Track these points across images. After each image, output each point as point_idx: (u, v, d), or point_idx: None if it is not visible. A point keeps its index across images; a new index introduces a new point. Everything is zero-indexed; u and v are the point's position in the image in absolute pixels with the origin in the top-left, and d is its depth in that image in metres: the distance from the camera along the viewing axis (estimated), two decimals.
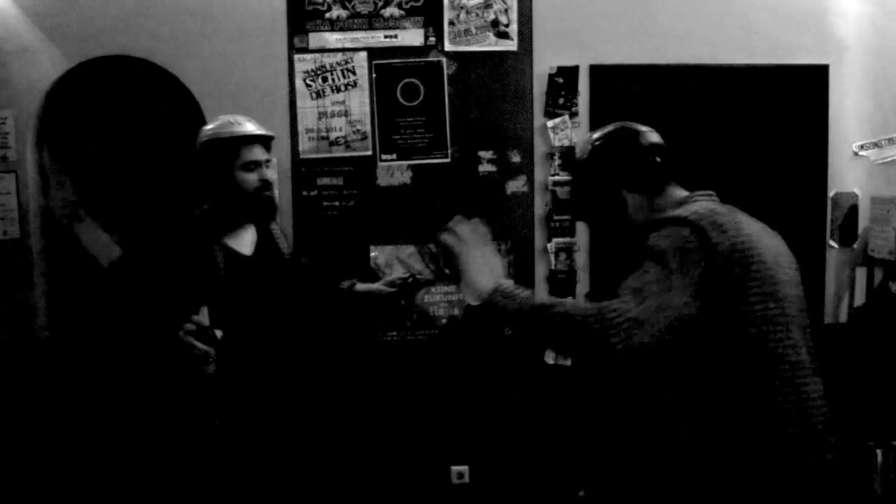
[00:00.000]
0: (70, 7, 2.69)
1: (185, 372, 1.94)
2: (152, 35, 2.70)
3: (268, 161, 2.10)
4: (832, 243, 2.89)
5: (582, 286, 2.85)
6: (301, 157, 2.76)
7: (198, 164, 2.09)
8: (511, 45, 2.76)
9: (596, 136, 1.58)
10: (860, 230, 2.89)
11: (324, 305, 2.47)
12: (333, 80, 2.74)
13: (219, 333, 1.88)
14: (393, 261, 2.79)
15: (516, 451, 2.83)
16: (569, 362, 2.82)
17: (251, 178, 2.04)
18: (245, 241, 2.12)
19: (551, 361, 2.84)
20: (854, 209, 2.88)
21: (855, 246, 2.90)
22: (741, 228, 1.37)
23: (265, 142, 2.11)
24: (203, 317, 1.88)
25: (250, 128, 2.08)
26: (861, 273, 2.89)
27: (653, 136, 1.56)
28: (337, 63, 2.74)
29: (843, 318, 2.90)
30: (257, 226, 2.18)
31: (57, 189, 2.86)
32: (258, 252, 2.14)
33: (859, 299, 2.90)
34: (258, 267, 2.12)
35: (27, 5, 2.68)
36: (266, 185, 2.07)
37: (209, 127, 2.10)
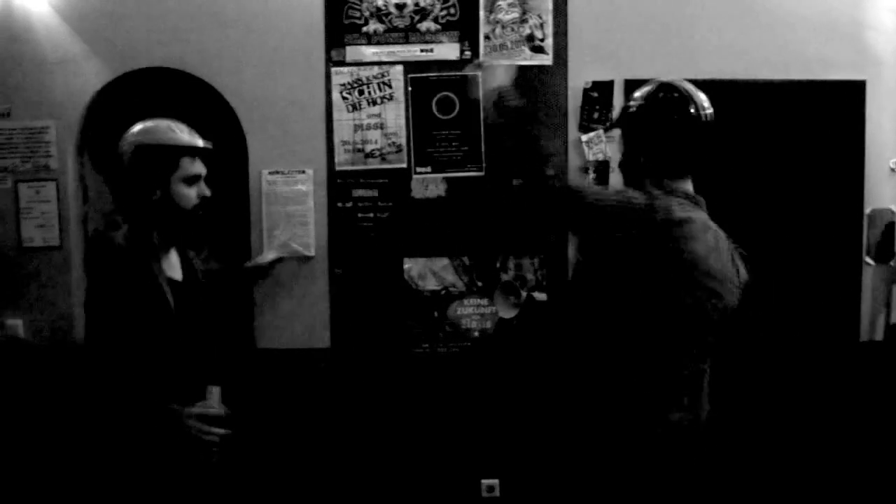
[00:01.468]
0: (113, 19, 2.74)
1: (185, 460, 1.72)
2: (192, 47, 2.74)
3: (204, 177, 1.89)
4: (868, 260, 2.86)
5: None
6: (336, 168, 2.78)
7: (125, 172, 1.81)
8: (546, 60, 2.77)
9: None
10: None
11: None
12: (370, 93, 2.77)
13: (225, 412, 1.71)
14: (426, 273, 2.80)
15: (548, 465, 2.82)
16: None
17: (191, 193, 1.83)
18: (174, 264, 1.90)
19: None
20: (891, 226, 2.85)
21: (891, 263, 2.86)
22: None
23: (206, 155, 1.90)
24: (214, 400, 1.71)
25: (195, 138, 1.86)
26: None
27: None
28: (373, 76, 2.76)
29: (879, 335, 2.87)
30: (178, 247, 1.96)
31: (96, 198, 2.91)
32: (186, 276, 1.92)
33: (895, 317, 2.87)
34: (191, 293, 1.90)
35: (71, 17, 2.74)
36: (205, 203, 1.86)
37: (142, 130, 1.83)
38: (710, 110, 1.76)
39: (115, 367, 1.68)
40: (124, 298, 1.70)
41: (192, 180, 1.84)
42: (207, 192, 1.87)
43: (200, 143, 1.88)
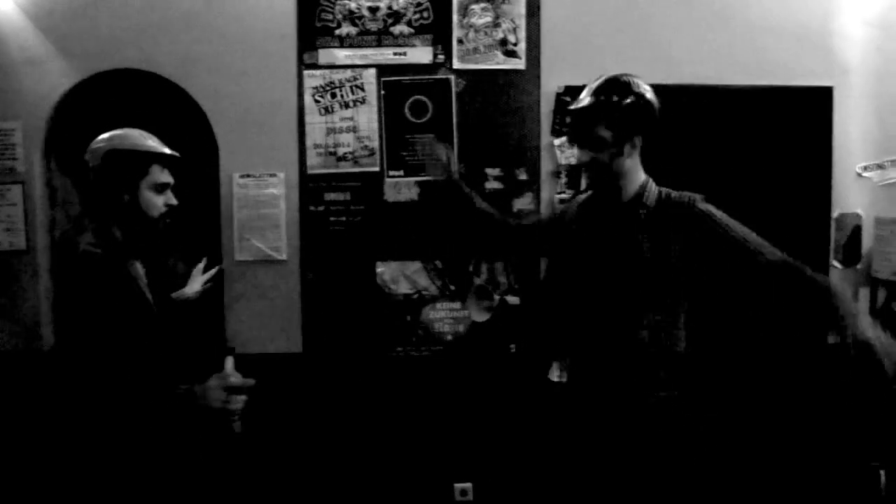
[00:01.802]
0: (81, 20, 2.71)
1: (206, 431, 1.77)
2: (163, 49, 2.72)
3: (171, 186, 1.91)
4: (835, 264, 2.90)
5: None
6: (308, 172, 2.77)
7: (94, 175, 1.83)
8: (519, 64, 2.78)
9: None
10: (863, 251, 2.90)
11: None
12: (342, 96, 2.76)
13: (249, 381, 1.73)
14: (399, 277, 2.79)
15: (521, 468, 2.82)
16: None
17: (158, 201, 1.85)
18: (140, 269, 1.91)
19: (556, 378, 2.84)
20: (857, 230, 2.89)
21: (858, 266, 2.91)
22: None
23: (174, 167, 1.93)
24: (230, 369, 1.73)
25: (165, 148, 1.90)
26: (864, 293, 2.91)
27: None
28: (346, 79, 2.76)
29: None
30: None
31: (63, 201, 2.87)
32: (151, 280, 1.93)
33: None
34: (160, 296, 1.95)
35: (38, 16, 2.70)
36: (171, 211, 1.89)
37: (113, 136, 1.86)
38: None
39: (112, 364, 1.67)
40: (108, 299, 1.71)
41: (160, 188, 1.87)
42: (174, 202, 1.91)
43: (169, 151, 1.92)
